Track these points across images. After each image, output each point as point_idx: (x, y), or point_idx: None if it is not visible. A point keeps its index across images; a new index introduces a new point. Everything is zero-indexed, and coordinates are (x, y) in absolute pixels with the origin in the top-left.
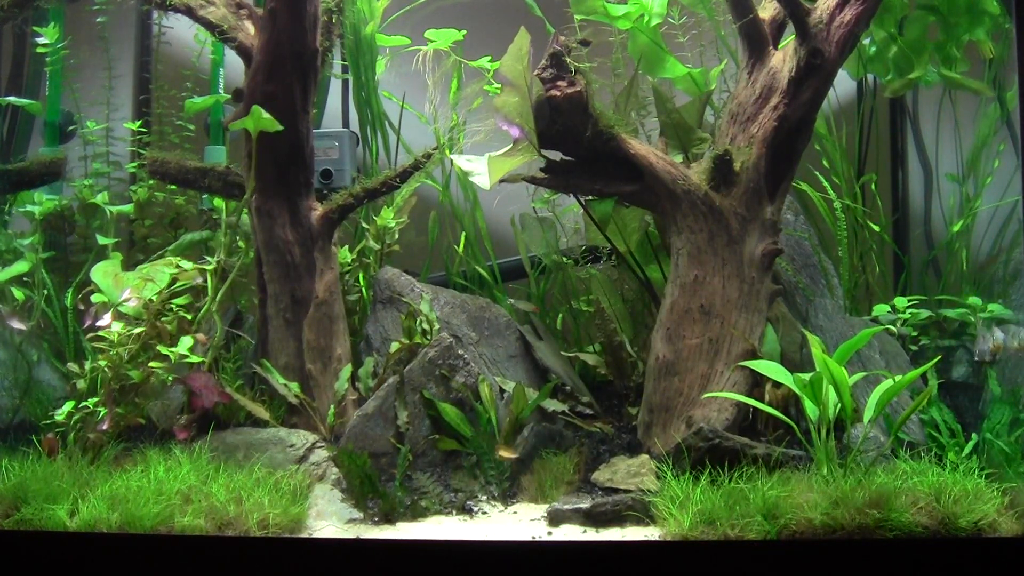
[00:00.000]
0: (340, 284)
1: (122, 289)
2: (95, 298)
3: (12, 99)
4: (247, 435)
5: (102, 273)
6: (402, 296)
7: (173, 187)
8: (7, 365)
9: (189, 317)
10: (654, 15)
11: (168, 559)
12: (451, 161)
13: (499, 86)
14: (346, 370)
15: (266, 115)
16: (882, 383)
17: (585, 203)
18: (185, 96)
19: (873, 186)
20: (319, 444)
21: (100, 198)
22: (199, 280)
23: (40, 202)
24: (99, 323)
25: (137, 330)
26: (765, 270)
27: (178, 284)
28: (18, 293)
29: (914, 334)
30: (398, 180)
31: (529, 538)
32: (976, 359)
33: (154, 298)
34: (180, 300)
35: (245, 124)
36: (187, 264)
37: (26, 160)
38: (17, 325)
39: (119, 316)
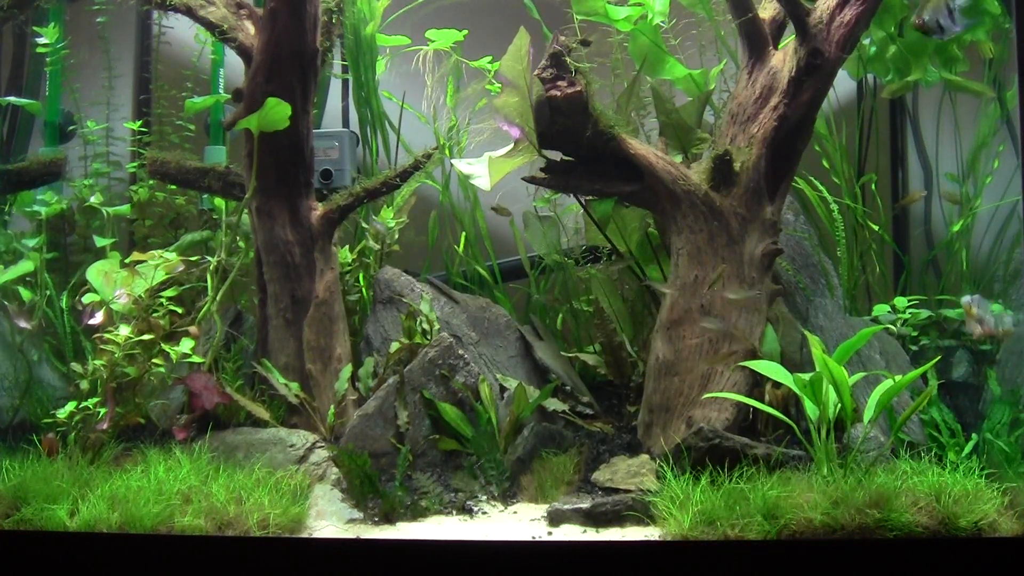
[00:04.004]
0: (340, 284)
1: (114, 287)
2: (87, 297)
3: (12, 99)
4: (247, 435)
5: (96, 271)
6: (402, 296)
7: (173, 187)
8: (7, 365)
9: (180, 311)
10: (657, 13)
11: (168, 559)
12: (451, 164)
13: (500, 86)
14: (346, 370)
15: (276, 109)
16: (882, 383)
17: (585, 203)
18: (185, 96)
19: (873, 186)
20: (319, 444)
21: (95, 199)
22: (180, 269)
23: (50, 202)
24: (91, 321)
25: (145, 336)
26: (765, 270)
27: (164, 275)
28: (25, 293)
29: (914, 334)
30: (398, 180)
31: (529, 538)
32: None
33: (143, 295)
34: (168, 292)
35: (248, 123)
36: (171, 255)
37: (26, 160)
38: (23, 324)
39: (110, 315)
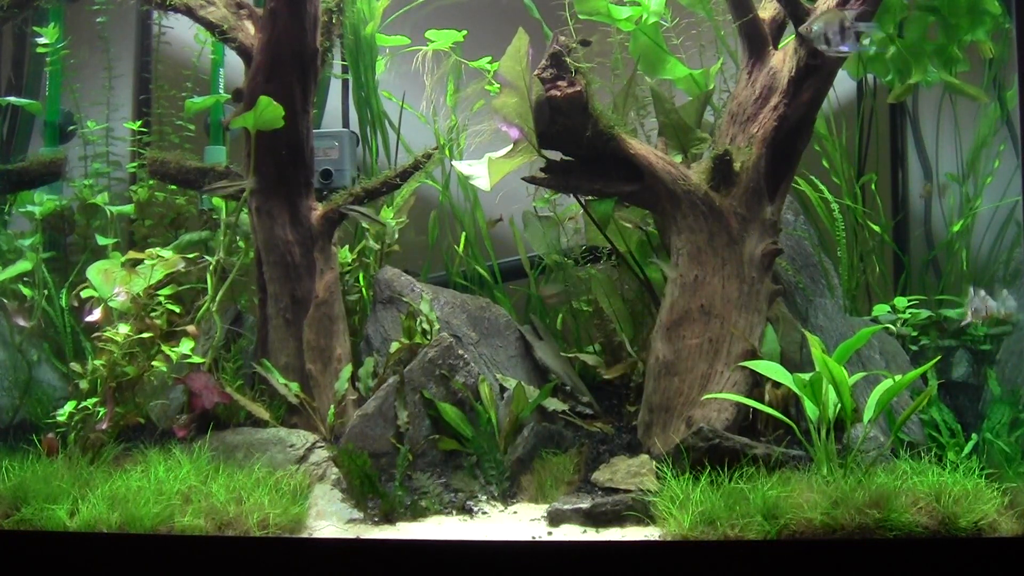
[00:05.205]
0: (340, 284)
1: (113, 285)
2: (85, 293)
3: (12, 99)
4: (247, 435)
5: (96, 270)
6: (402, 296)
7: (173, 187)
8: (7, 365)
9: (177, 310)
10: (651, 13)
11: (168, 559)
12: (451, 165)
13: (499, 86)
14: (346, 370)
15: (270, 108)
16: (882, 383)
17: (585, 203)
18: (185, 96)
19: (873, 186)
20: (319, 444)
21: (100, 198)
22: (181, 267)
23: (40, 202)
24: (89, 318)
25: (145, 335)
26: (765, 270)
27: (162, 273)
28: (26, 291)
29: (914, 334)
30: (398, 180)
31: (529, 538)
32: (967, 321)
33: (141, 293)
34: (166, 291)
35: (244, 121)
36: (167, 252)
37: (26, 160)
38: (22, 323)
39: (109, 312)
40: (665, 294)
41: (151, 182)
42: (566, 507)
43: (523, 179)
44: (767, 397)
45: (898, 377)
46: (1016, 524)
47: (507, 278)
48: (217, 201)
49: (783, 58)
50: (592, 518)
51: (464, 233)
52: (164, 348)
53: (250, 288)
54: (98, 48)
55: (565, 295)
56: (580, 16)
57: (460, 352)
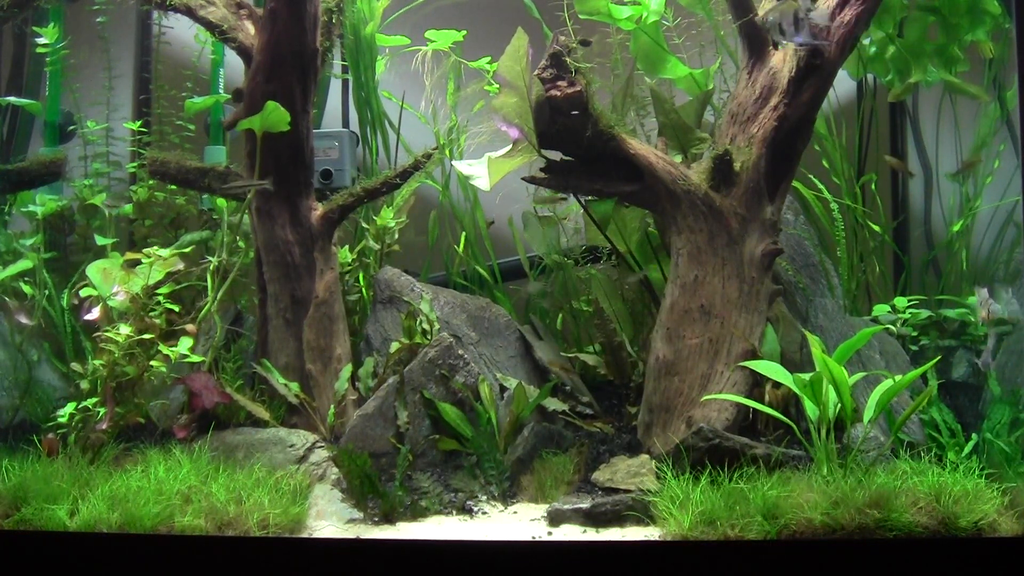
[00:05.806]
0: (340, 284)
1: (112, 284)
2: (84, 292)
3: (12, 99)
4: (247, 435)
5: (96, 269)
6: (402, 296)
7: (173, 187)
8: (7, 365)
9: (176, 309)
10: (652, 12)
11: (168, 559)
12: (451, 165)
13: (498, 86)
14: (346, 370)
15: (276, 112)
16: (882, 383)
17: (585, 203)
18: (185, 96)
19: (873, 186)
20: (319, 444)
21: (99, 198)
22: (181, 267)
23: (43, 203)
24: (88, 316)
25: (145, 335)
26: (765, 270)
27: (160, 272)
28: (27, 288)
29: (914, 334)
30: (398, 180)
31: (529, 538)
32: (982, 366)
33: (140, 293)
34: (163, 289)
35: (251, 124)
36: (164, 252)
37: (26, 160)
38: (24, 320)
39: (108, 311)
40: (665, 294)
41: (151, 182)
42: (566, 507)
43: (523, 179)
44: (767, 397)
45: (898, 377)
46: (1016, 524)
47: (507, 278)
48: (218, 201)
49: (783, 58)
50: (592, 518)
51: (464, 233)
52: (163, 348)
53: (250, 288)
54: (98, 48)
55: (545, 294)
56: (580, 16)
57: (460, 352)
